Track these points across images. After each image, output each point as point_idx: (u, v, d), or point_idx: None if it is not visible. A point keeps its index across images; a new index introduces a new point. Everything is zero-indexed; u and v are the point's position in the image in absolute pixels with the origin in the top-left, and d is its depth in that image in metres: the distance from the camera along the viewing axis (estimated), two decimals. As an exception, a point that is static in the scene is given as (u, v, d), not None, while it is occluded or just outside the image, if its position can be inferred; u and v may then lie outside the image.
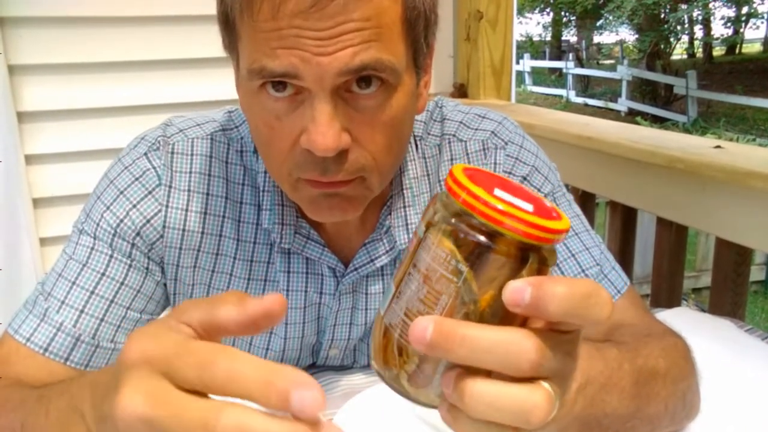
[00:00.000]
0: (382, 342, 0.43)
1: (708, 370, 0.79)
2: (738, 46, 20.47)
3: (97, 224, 0.76)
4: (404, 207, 0.79)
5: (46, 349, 0.73)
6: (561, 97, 16.23)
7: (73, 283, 0.75)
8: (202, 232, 0.78)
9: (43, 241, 1.79)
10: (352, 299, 0.83)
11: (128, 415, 0.37)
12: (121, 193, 0.76)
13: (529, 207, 0.39)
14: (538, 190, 0.83)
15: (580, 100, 15.49)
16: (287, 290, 0.80)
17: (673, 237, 1.56)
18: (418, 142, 0.83)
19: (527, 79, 17.75)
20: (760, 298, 4.95)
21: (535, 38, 23.42)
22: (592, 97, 15.75)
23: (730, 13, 18.93)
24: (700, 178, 1.35)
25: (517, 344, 0.39)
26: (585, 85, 16.80)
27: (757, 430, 0.74)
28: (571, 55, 18.56)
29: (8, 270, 1.75)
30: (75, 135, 1.80)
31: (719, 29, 19.77)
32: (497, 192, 0.39)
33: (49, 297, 0.75)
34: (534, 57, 19.89)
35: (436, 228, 0.40)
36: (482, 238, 0.39)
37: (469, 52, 2.01)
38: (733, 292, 1.41)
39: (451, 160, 0.83)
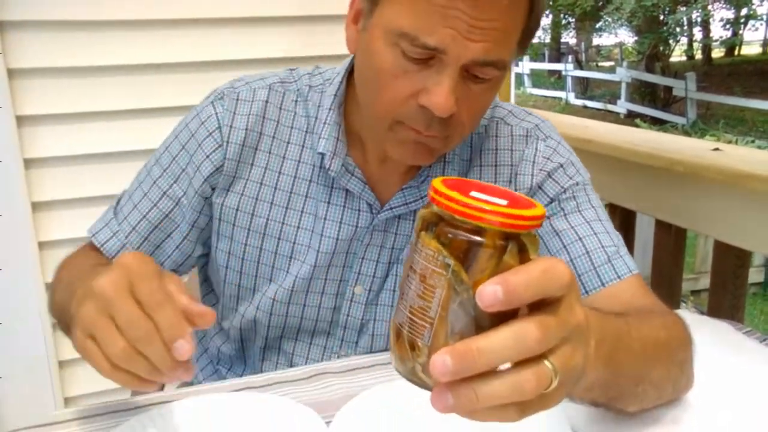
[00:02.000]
0: (396, 342, 0.48)
1: (707, 372, 0.79)
2: (737, 48, 20.50)
3: (172, 158, 0.93)
4: (444, 162, 0.91)
5: (102, 246, 0.94)
6: (560, 99, 16.24)
7: (135, 206, 0.94)
8: (252, 164, 0.92)
9: (42, 245, 1.79)
10: (383, 237, 0.93)
11: (97, 286, 0.58)
12: (192, 135, 0.92)
13: (503, 201, 0.45)
14: (570, 179, 0.93)
15: (579, 102, 15.50)
16: (324, 219, 0.91)
17: (672, 239, 1.56)
18: None
19: (526, 81, 17.77)
20: (759, 300, 4.95)
21: (534, 40, 23.37)
22: (591, 99, 15.76)
23: (729, 15, 18.96)
24: (699, 180, 1.36)
25: (522, 333, 0.43)
26: (584, 87, 16.81)
27: (755, 433, 0.74)
28: (570, 57, 18.58)
29: (7, 273, 1.75)
30: (74, 139, 1.80)
31: (718, 31, 19.80)
32: (473, 193, 0.45)
33: (117, 211, 0.96)
34: (533, 59, 19.89)
35: (424, 233, 0.46)
36: (462, 233, 0.44)
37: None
38: (731, 294, 1.41)
39: (496, 137, 0.95)
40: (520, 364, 0.44)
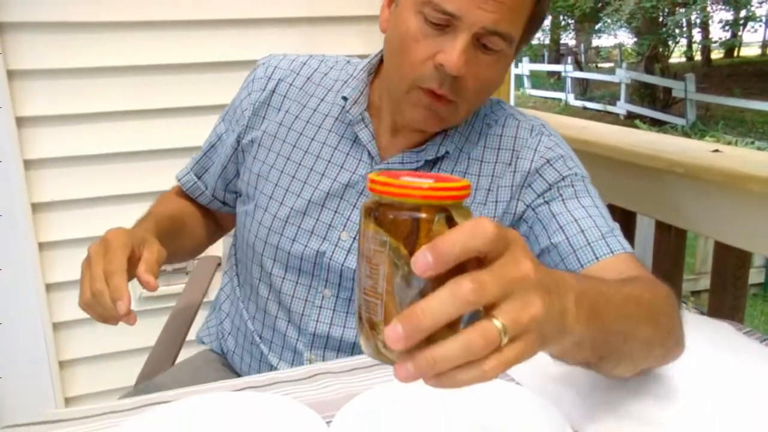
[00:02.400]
0: (359, 325, 0.51)
1: (707, 372, 0.79)
2: (736, 49, 20.51)
3: (230, 105, 1.13)
4: (444, 134, 0.99)
5: (179, 180, 1.20)
6: (560, 100, 16.23)
7: (203, 144, 1.18)
8: (279, 109, 1.07)
9: (42, 246, 1.79)
10: None
11: (91, 248, 0.86)
12: (243, 88, 1.12)
13: (429, 181, 0.49)
14: (569, 170, 0.98)
15: (578, 103, 15.49)
16: (328, 161, 1.02)
17: (672, 240, 1.56)
18: (480, 112, 1.03)
19: (526, 83, 17.77)
20: (759, 300, 4.95)
21: (534, 42, 23.41)
22: (590, 100, 15.76)
23: (729, 16, 18.97)
24: (699, 181, 1.36)
25: (456, 288, 0.46)
26: (584, 89, 16.81)
27: (756, 433, 0.74)
28: (569, 59, 18.57)
29: (7, 273, 1.75)
30: (74, 140, 1.80)
31: (717, 32, 19.80)
32: (403, 178, 0.50)
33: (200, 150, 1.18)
34: (533, 60, 19.89)
35: (365, 219, 0.50)
36: (393, 212, 0.49)
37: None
38: (732, 295, 1.41)
39: (503, 126, 1.03)
40: (471, 325, 0.47)
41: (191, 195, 1.19)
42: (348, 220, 1.00)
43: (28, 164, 1.76)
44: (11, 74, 1.70)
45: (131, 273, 0.85)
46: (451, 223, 0.49)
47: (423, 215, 0.48)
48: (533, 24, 0.91)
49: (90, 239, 0.85)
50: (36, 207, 1.79)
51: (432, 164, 1.00)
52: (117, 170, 1.86)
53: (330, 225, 1.01)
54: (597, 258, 0.90)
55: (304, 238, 1.01)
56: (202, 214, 1.21)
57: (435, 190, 0.48)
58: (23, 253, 1.75)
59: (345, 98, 1.01)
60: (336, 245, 1.00)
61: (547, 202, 0.97)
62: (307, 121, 1.05)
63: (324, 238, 1.01)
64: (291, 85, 1.07)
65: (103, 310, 0.82)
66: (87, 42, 1.76)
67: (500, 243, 0.48)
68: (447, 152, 0.99)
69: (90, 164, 1.82)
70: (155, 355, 1.23)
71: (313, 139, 1.04)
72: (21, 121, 1.74)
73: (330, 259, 1.00)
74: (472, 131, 1.02)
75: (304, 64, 1.09)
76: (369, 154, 1.00)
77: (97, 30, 1.77)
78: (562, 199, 0.96)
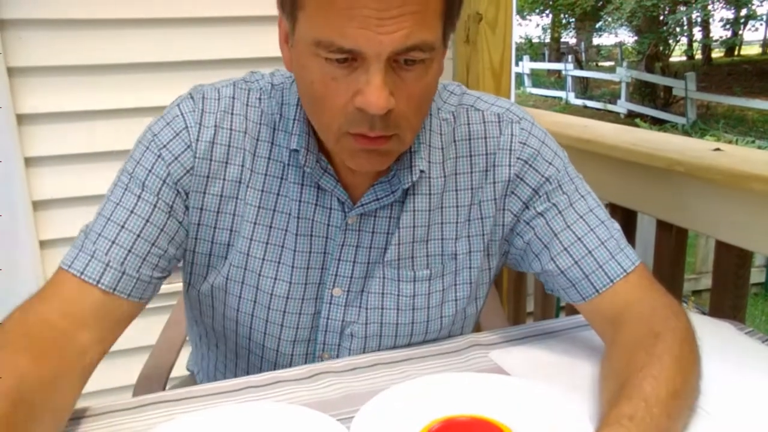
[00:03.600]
0: None
1: (708, 372, 0.79)
2: (737, 48, 20.49)
3: (137, 163, 0.88)
4: (410, 153, 0.88)
5: (82, 273, 0.82)
6: (560, 99, 16.23)
7: (108, 219, 0.85)
8: (226, 162, 0.88)
9: (43, 244, 1.79)
10: (357, 237, 0.91)
11: None
12: (155, 136, 0.88)
13: None
14: (549, 165, 0.92)
15: (579, 102, 15.48)
16: (297, 218, 0.89)
17: (673, 239, 1.56)
18: (433, 108, 0.93)
19: (526, 81, 17.76)
20: (761, 300, 4.95)
21: (535, 40, 23.41)
22: (591, 99, 15.75)
23: (729, 15, 18.95)
24: (700, 180, 1.36)
25: None
26: (584, 87, 16.80)
27: (757, 433, 0.74)
28: (570, 57, 18.55)
29: (8, 272, 1.75)
30: (75, 137, 1.80)
31: (718, 31, 19.79)
32: None
33: (89, 232, 0.86)
34: (533, 59, 19.89)
35: None
36: None
37: (468, 54, 2.01)
38: (733, 294, 1.41)
39: (468, 124, 0.93)
40: None
41: (121, 294, 0.83)
42: (336, 276, 0.91)
43: (28, 162, 1.76)
44: (12, 71, 1.70)
45: None
46: None
47: None
48: (453, 5, 0.77)
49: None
50: (37, 205, 1.79)
51: (405, 193, 0.90)
52: (119, 167, 1.86)
53: (320, 283, 0.92)
54: (612, 280, 0.88)
55: (295, 308, 0.92)
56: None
57: None
58: (23, 252, 1.75)
59: (296, 150, 0.87)
60: (330, 303, 0.93)
61: (541, 215, 0.92)
62: (265, 174, 0.89)
63: (316, 299, 0.93)
64: (231, 130, 0.88)
65: None
66: (88, 39, 1.76)
67: None
68: (422, 171, 0.89)
69: (91, 162, 1.82)
70: (156, 353, 1.23)
71: (278, 195, 0.89)
72: (21, 119, 1.74)
73: (327, 318, 0.93)
74: (432, 135, 0.92)
75: (233, 99, 0.90)
76: (338, 200, 0.89)
77: (98, 27, 1.76)
78: (558, 211, 0.91)
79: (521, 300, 2.05)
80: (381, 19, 0.70)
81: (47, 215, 1.80)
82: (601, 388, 0.80)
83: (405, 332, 0.95)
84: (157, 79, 1.84)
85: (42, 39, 1.72)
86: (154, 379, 1.18)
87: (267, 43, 1.88)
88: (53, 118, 1.77)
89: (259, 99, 0.91)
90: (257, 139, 0.89)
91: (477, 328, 1.05)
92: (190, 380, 1.16)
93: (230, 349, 0.99)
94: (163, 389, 1.16)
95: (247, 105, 0.90)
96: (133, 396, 1.03)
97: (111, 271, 0.82)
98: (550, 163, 0.92)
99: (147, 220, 0.85)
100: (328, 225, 0.90)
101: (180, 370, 1.20)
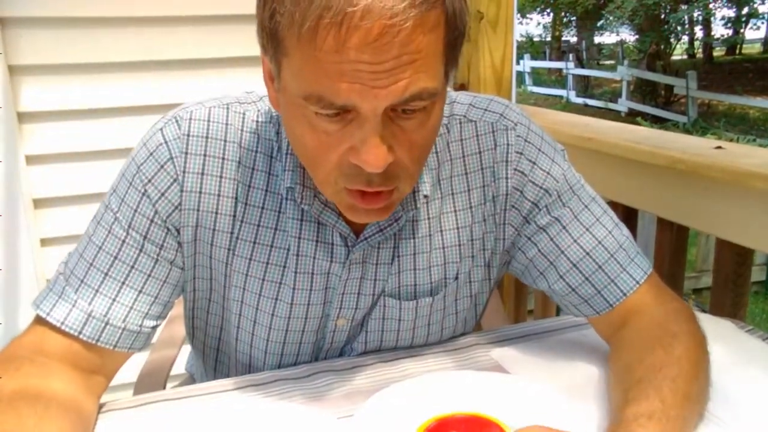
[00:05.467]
0: None
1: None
2: (738, 46, 20.47)
3: (121, 201, 0.80)
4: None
5: (62, 324, 0.77)
6: (561, 97, 16.22)
7: (91, 264, 0.79)
8: (219, 195, 0.81)
9: (43, 242, 1.79)
10: (362, 269, 0.86)
11: None
12: (139, 169, 0.80)
13: None
14: (547, 174, 0.87)
15: (580, 100, 15.47)
16: (297, 255, 0.84)
17: (674, 237, 1.56)
18: None
19: (527, 80, 17.74)
20: (761, 298, 4.95)
21: (536, 39, 23.41)
22: (592, 97, 15.74)
23: (731, 13, 18.93)
24: (701, 178, 1.35)
25: None
26: (585, 86, 16.79)
27: (758, 432, 0.74)
28: (571, 56, 18.54)
29: (8, 270, 1.75)
30: (75, 135, 1.80)
31: (719, 30, 19.77)
32: None
33: (70, 276, 0.79)
34: (534, 57, 19.87)
35: None
36: None
37: (469, 53, 2.00)
38: (733, 292, 1.41)
39: (461, 140, 0.88)
40: None
41: (106, 345, 0.79)
42: (341, 308, 0.88)
43: (29, 159, 1.76)
44: (12, 69, 1.70)
45: None
46: None
47: None
48: (454, 46, 0.69)
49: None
50: (37, 202, 1.79)
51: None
52: (119, 166, 1.86)
53: (322, 317, 0.88)
54: (624, 294, 0.86)
55: (296, 337, 0.89)
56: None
57: None
58: (24, 250, 1.75)
59: (291, 188, 0.81)
60: (334, 331, 0.90)
61: (543, 229, 0.88)
62: (262, 207, 0.83)
63: (318, 330, 0.89)
64: (223, 159, 0.81)
65: None
66: (88, 37, 1.76)
67: None
68: (426, 196, 0.85)
69: (91, 160, 1.82)
70: (157, 350, 1.23)
71: (276, 230, 0.83)
72: (22, 117, 1.74)
73: (330, 344, 0.91)
74: (436, 158, 0.87)
75: (227, 124, 0.81)
76: (340, 234, 0.84)
77: (98, 25, 1.76)
78: (562, 226, 0.87)
79: (522, 298, 2.05)
80: (376, 72, 0.62)
81: (47, 213, 1.80)
82: (613, 382, 0.80)
83: (405, 345, 0.95)
84: (159, 77, 1.84)
85: (42, 37, 1.72)
86: (154, 377, 1.18)
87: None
88: (54, 116, 1.77)
89: (256, 122, 0.83)
90: (252, 169, 0.82)
91: (478, 327, 1.05)
92: (190, 381, 1.16)
93: (231, 365, 0.96)
94: (164, 387, 1.16)
95: (241, 131, 0.82)
96: (134, 394, 1.03)
97: (93, 321, 0.77)
98: (548, 173, 0.87)
99: (132, 267, 0.79)
100: (331, 261, 0.85)
101: (180, 367, 1.20)
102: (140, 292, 0.80)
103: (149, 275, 0.80)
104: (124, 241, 0.79)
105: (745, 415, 0.76)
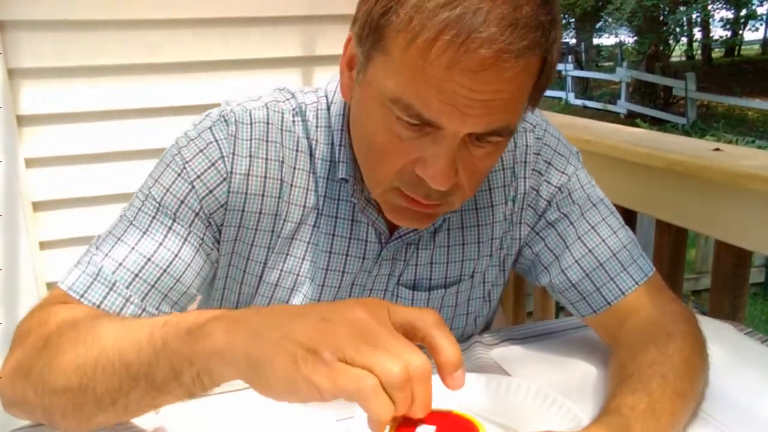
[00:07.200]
0: None
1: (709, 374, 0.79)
2: (737, 48, 20.50)
3: (166, 190, 0.80)
4: None
5: (100, 305, 0.76)
6: (560, 99, 16.22)
7: (132, 248, 0.78)
8: (262, 195, 0.82)
9: (42, 245, 1.79)
10: (390, 266, 0.88)
11: (349, 314, 0.55)
12: (187, 163, 0.80)
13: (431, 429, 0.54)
14: (561, 173, 0.90)
15: (579, 102, 15.48)
16: (329, 252, 0.85)
17: (673, 239, 1.56)
18: None
19: (526, 81, 17.71)
20: (760, 300, 4.95)
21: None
22: (591, 99, 15.76)
23: (729, 15, 18.96)
24: (700, 180, 1.36)
25: None
26: (584, 88, 16.80)
27: (757, 433, 0.74)
28: (570, 57, 18.56)
29: (7, 273, 1.75)
30: (74, 138, 1.80)
31: (718, 31, 19.81)
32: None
33: (106, 258, 0.78)
34: (533, 59, 19.84)
35: None
36: None
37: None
38: (732, 294, 1.41)
39: None
40: None
41: None
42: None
43: (28, 162, 1.76)
44: (12, 72, 1.70)
45: None
46: None
47: None
48: (540, 90, 0.71)
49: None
50: (37, 205, 1.79)
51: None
52: (118, 168, 1.85)
53: None
54: (623, 293, 0.86)
55: None
56: None
57: None
58: (23, 253, 1.75)
59: (345, 179, 0.82)
60: None
61: (551, 225, 0.90)
62: (303, 206, 0.84)
63: None
64: (266, 159, 0.82)
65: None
66: (88, 40, 1.76)
67: None
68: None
69: (91, 163, 1.82)
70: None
71: (313, 227, 0.85)
72: (21, 120, 1.73)
73: None
74: None
75: (268, 124, 0.82)
76: (375, 231, 0.85)
77: (98, 28, 1.76)
78: (570, 222, 0.89)
79: (521, 300, 2.06)
80: (472, 99, 0.63)
81: (47, 216, 1.80)
82: (608, 380, 0.80)
83: None
84: (159, 80, 1.84)
85: (42, 40, 1.72)
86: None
87: (270, 43, 1.89)
88: (53, 119, 1.77)
89: (293, 122, 0.84)
90: (294, 168, 0.83)
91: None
92: None
93: None
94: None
95: (281, 130, 0.83)
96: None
97: (131, 307, 0.77)
98: (563, 172, 0.90)
99: (176, 255, 0.79)
100: (363, 258, 0.86)
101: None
102: (177, 280, 0.80)
103: (188, 265, 0.80)
104: (170, 228, 0.79)
105: (744, 418, 0.76)
